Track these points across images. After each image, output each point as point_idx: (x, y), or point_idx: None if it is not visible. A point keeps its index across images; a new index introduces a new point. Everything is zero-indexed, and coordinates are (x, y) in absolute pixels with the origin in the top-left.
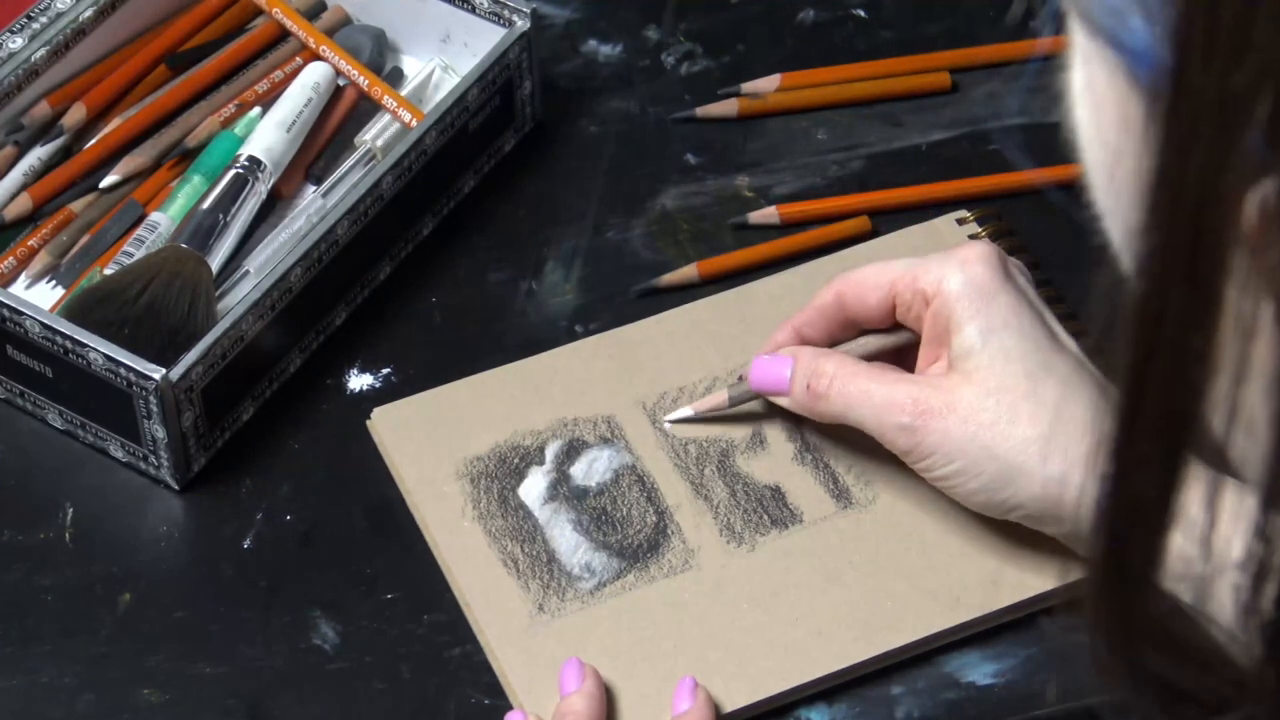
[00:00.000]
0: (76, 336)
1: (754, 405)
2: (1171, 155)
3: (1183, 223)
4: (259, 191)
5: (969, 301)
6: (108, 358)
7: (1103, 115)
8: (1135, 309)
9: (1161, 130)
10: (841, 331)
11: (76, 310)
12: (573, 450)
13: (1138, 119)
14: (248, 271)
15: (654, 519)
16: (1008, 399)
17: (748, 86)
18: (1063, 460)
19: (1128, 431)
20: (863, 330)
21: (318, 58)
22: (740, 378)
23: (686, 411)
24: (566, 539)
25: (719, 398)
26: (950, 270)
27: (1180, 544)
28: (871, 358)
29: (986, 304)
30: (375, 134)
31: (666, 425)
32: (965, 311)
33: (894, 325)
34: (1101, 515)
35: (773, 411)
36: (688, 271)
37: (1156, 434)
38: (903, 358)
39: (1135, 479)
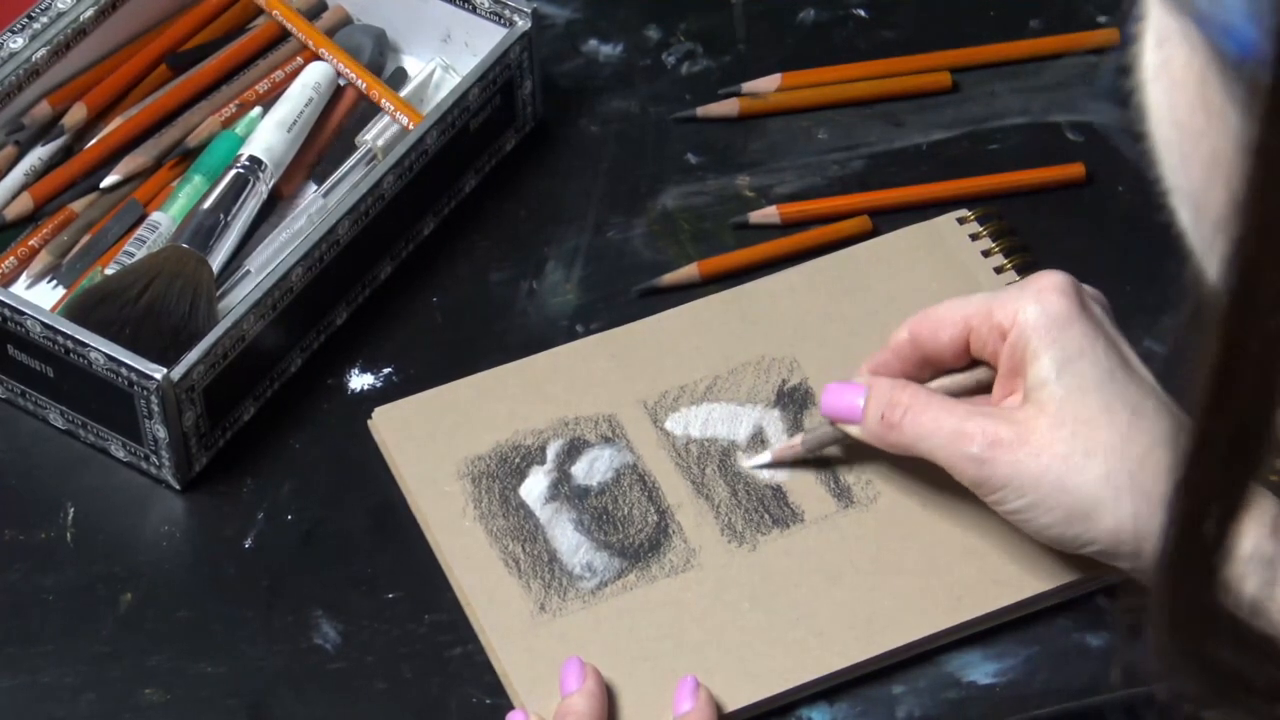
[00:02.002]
0: (78, 336)
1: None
2: (1269, 133)
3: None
4: (260, 191)
5: (1045, 331)
6: (109, 357)
7: (1178, 95)
8: (1226, 291)
9: (1262, 106)
10: (918, 371)
11: (78, 310)
12: (574, 449)
13: (1217, 100)
14: (249, 271)
15: (655, 518)
16: (1083, 431)
17: (748, 86)
18: (1137, 496)
19: (1208, 417)
20: (941, 370)
21: (318, 58)
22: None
23: (765, 458)
24: (568, 538)
25: (794, 444)
26: (1026, 301)
27: (1248, 539)
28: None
29: (1061, 333)
30: (376, 134)
31: (747, 465)
32: (1041, 342)
33: (971, 363)
34: (1172, 506)
35: (775, 410)
36: (688, 271)
37: (1238, 421)
38: (981, 394)
39: (1208, 472)
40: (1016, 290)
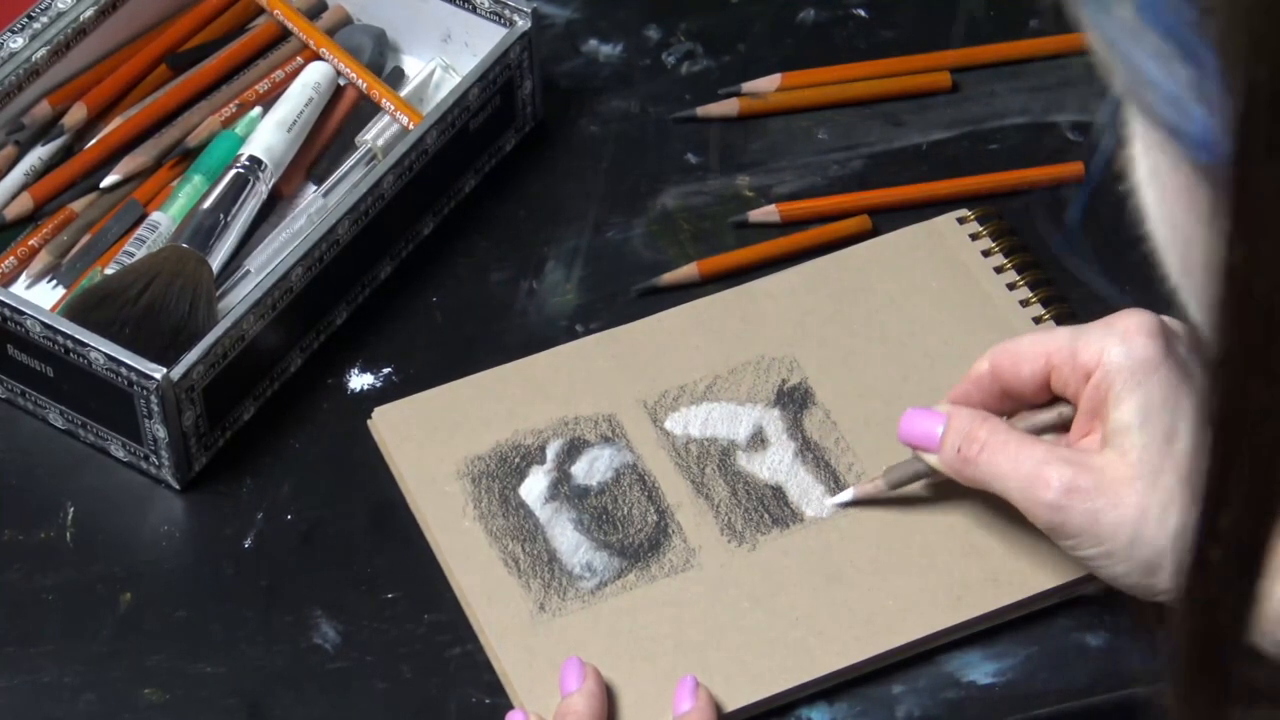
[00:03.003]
0: (77, 336)
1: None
2: (1237, 249)
3: (1254, 318)
4: (260, 191)
5: (1129, 375)
6: (109, 357)
7: (1170, 201)
8: (1213, 408)
9: (1227, 222)
10: (998, 403)
11: (77, 310)
12: (574, 449)
13: (1205, 206)
14: (248, 271)
15: (655, 518)
16: (1163, 484)
17: (748, 86)
18: None
19: (1210, 526)
20: (1021, 404)
21: (318, 58)
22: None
23: (847, 496)
24: (567, 538)
25: (876, 484)
26: (1112, 343)
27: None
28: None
29: (1147, 378)
30: (376, 134)
31: (829, 503)
32: (1125, 386)
33: (1052, 399)
34: (1194, 576)
35: (775, 410)
36: (688, 270)
37: (1241, 530)
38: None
39: (1225, 553)
40: (1102, 329)
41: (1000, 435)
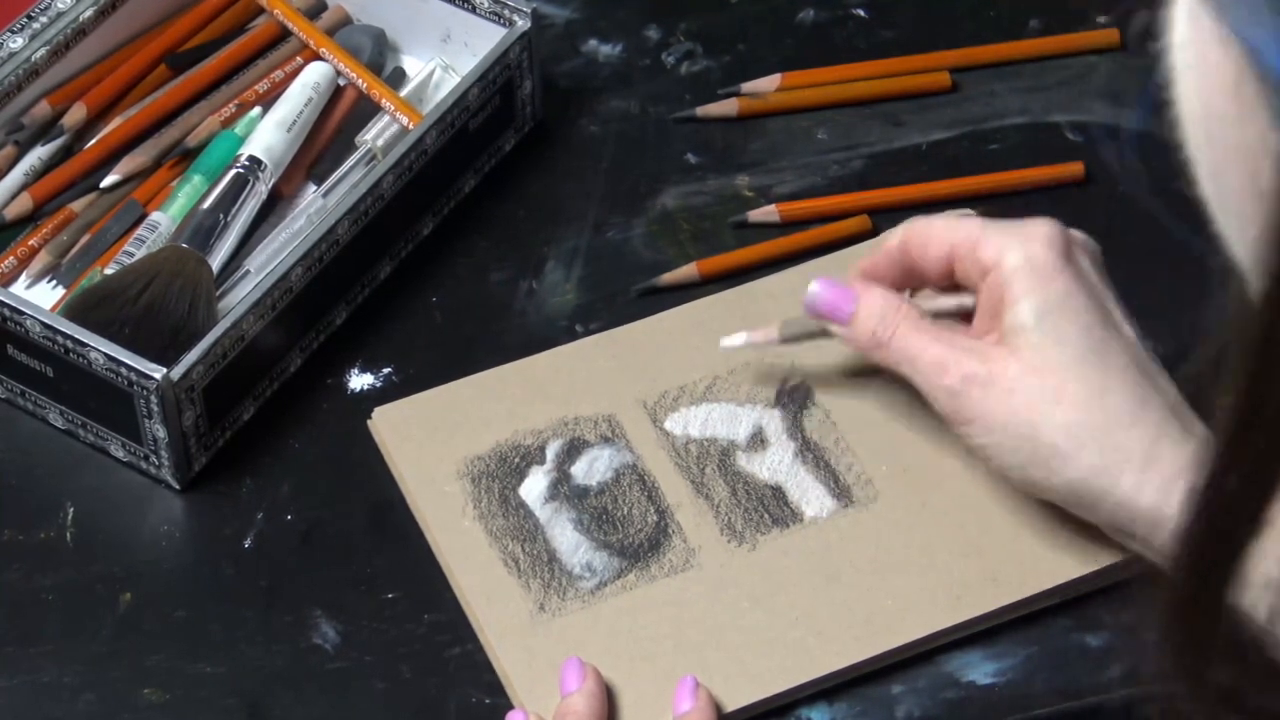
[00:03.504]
0: (77, 336)
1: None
2: None
3: None
4: (259, 191)
5: (1025, 280)
6: (108, 357)
7: (1209, 77)
8: (1261, 295)
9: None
10: (904, 278)
11: (77, 310)
12: (573, 449)
13: (1250, 93)
14: (248, 271)
15: (655, 518)
16: (1052, 381)
17: (748, 86)
18: (1101, 449)
19: (1238, 441)
20: (923, 283)
21: (318, 58)
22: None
23: (739, 339)
24: (567, 538)
25: (769, 333)
26: (1011, 246)
27: (1264, 565)
28: (936, 316)
29: (1043, 284)
30: (376, 134)
31: (723, 345)
32: (1020, 289)
33: (956, 286)
34: (1189, 529)
35: (775, 410)
36: (688, 271)
37: (1268, 448)
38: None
39: (1233, 494)
40: (1005, 231)
41: (912, 321)
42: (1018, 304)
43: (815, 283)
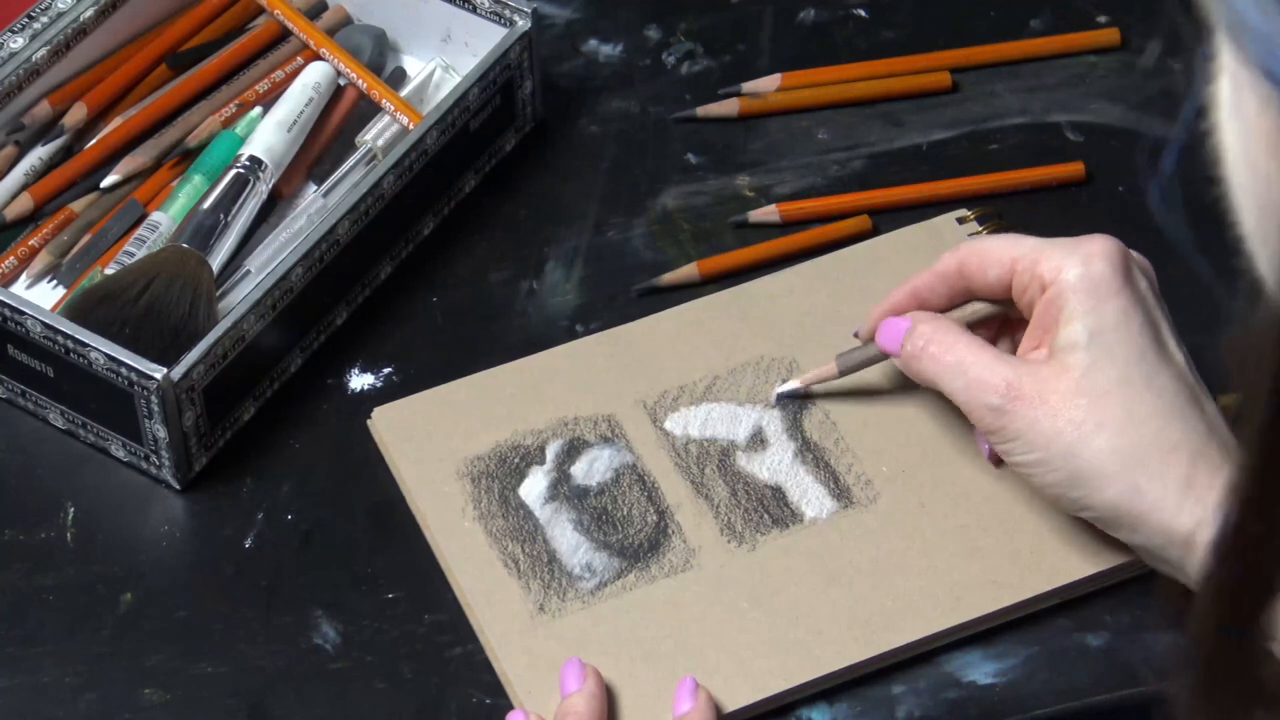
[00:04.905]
0: (78, 336)
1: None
2: None
3: None
4: (260, 191)
5: (1084, 296)
6: (109, 357)
7: (1252, 140)
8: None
9: None
10: (958, 299)
11: (78, 310)
12: (573, 449)
13: None
14: (248, 271)
15: (654, 518)
16: (1100, 403)
17: (748, 86)
18: (1141, 475)
19: (1260, 482)
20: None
21: (318, 58)
22: (855, 344)
23: (794, 385)
24: (567, 538)
25: (829, 369)
26: (1072, 262)
27: None
28: (976, 324)
29: (1100, 303)
30: (376, 134)
31: (772, 396)
32: (1077, 306)
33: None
34: (1215, 571)
35: (775, 410)
36: (688, 271)
37: None
38: (1013, 333)
39: (1257, 539)
40: (1066, 247)
41: (948, 335)
42: (1073, 321)
43: (881, 324)
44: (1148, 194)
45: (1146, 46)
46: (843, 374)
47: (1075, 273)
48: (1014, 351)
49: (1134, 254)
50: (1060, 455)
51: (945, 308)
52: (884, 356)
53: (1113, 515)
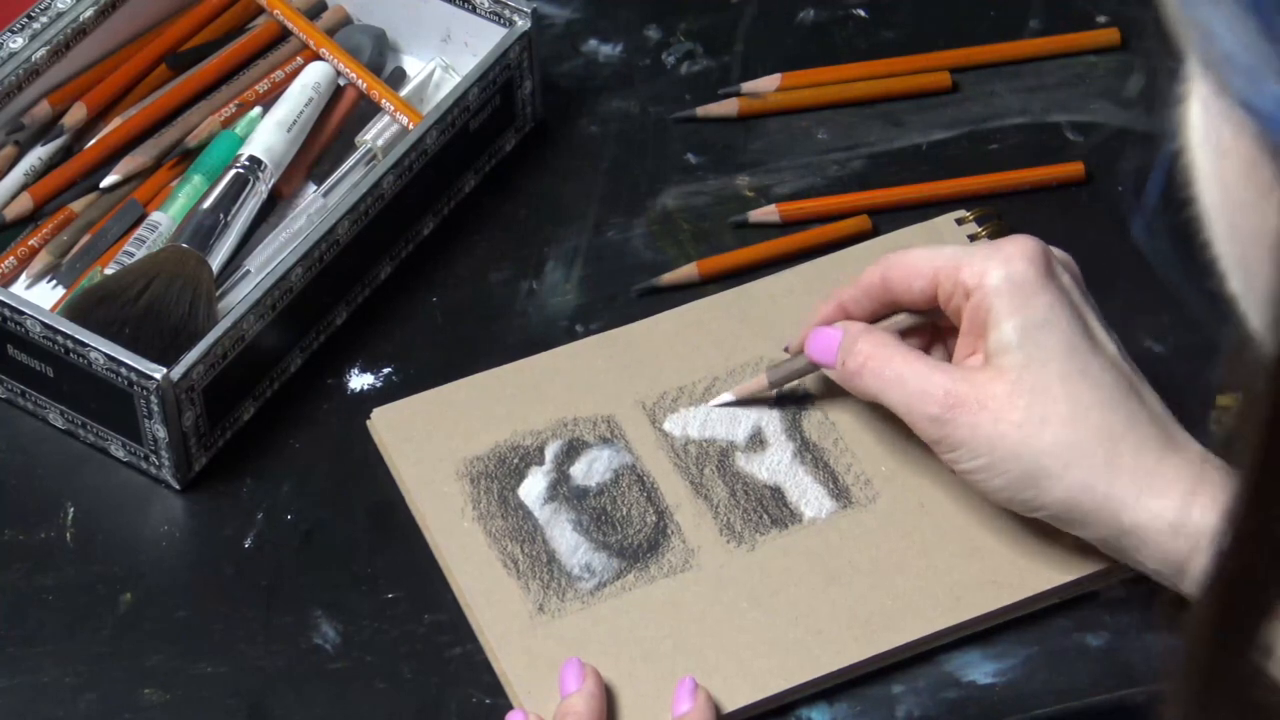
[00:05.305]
0: (77, 336)
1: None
2: None
3: None
4: (259, 191)
5: (1008, 298)
6: (109, 357)
7: (1226, 165)
8: (1268, 370)
9: None
10: (885, 311)
11: (77, 310)
12: (573, 450)
13: (1266, 176)
14: (248, 271)
15: (654, 519)
16: (1040, 400)
17: (748, 86)
18: (1089, 468)
19: (1254, 502)
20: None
21: (318, 58)
22: (783, 358)
23: (728, 397)
24: (566, 539)
25: (759, 382)
26: (993, 265)
27: None
28: (908, 333)
29: (1025, 301)
30: (376, 134)
31: (712, 405)
32: (1004, 308)
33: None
34: (1210, 596)
35: (774, 411)
36: (688, 271)
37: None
38: (945, 340)
39: (1257, 557)
40: (986, 252)
41: (885, 350)
42: (1001, 323)
43: (812, 333)
44: (1130, 224)
45: (1144, 47)
46: (773, 386)
47: (997, 275)
48: (949, 360)
49: (1055, 250)
50: (1006, 458)
51: (871, 320)
52: (814, 368)
53: (1066, 511)
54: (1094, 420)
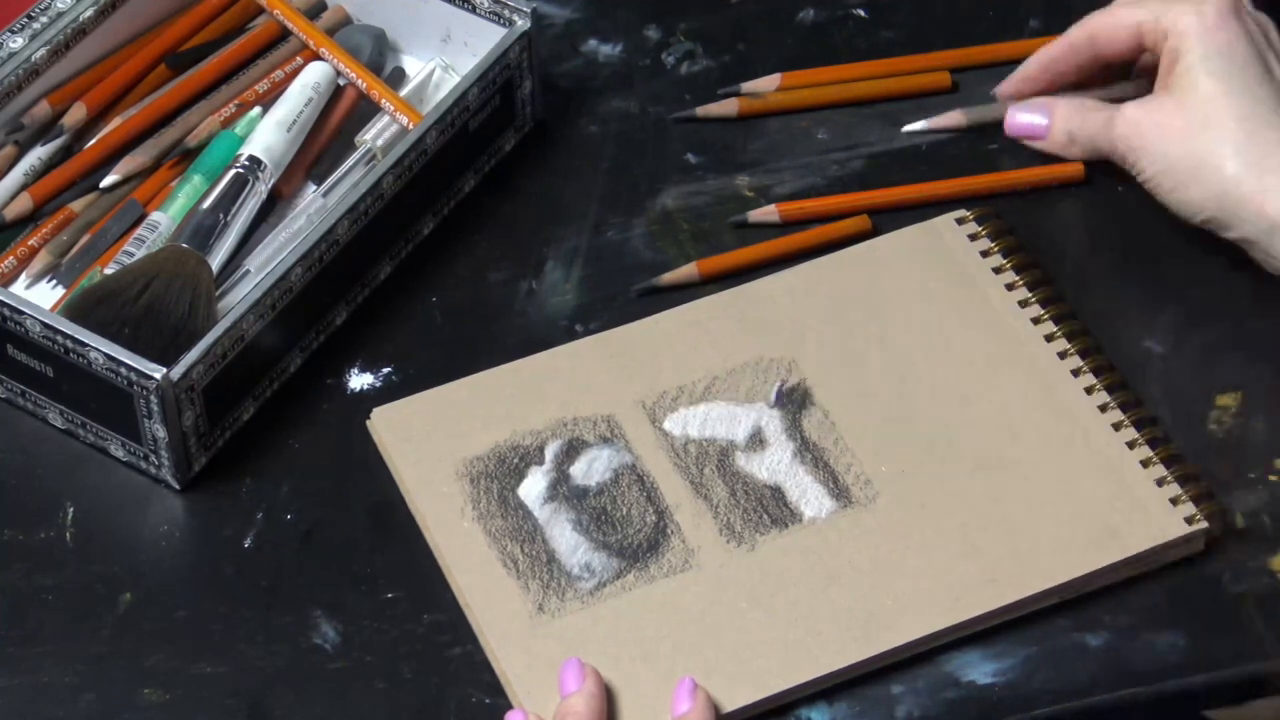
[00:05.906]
0: (77, 336)
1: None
2: None
3: None
4: (259, 191)
5: (1195, 36)
6: (108, 357)
7: None
8: None
9: None
10: (1087, 68)
11: (77, 310)
12: (572, 450)
13: None
14: (248, 271)
15: (654, 519)
16: (1204, 108)
17: (748, 86)
18: (1243, 164)
19: None
20: (1102, 70)
21: (318, 58)
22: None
23: (921, 125)
24: (566, 539)
25: (955, 117)
26: (1186, 11)
27: None
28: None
29: (1210, 36)
30: (376, 133)
31: (905, 129)
32: (1189, 43)
33: (1133, 76)
34: None
35: (774, 410)
36: (688, 270)
37: None
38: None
39: None
40: (1182, 1)
41: (1091, 108)
42: (1186, 55)
43: (1010, 112)
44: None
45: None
46: (970, 125)
47: (1189, 20)
48: None
49: (1248, 6)
50: (1173, 155)
51: (1074, 78)
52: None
53: (1220, 210)
54: (1249, 127)
